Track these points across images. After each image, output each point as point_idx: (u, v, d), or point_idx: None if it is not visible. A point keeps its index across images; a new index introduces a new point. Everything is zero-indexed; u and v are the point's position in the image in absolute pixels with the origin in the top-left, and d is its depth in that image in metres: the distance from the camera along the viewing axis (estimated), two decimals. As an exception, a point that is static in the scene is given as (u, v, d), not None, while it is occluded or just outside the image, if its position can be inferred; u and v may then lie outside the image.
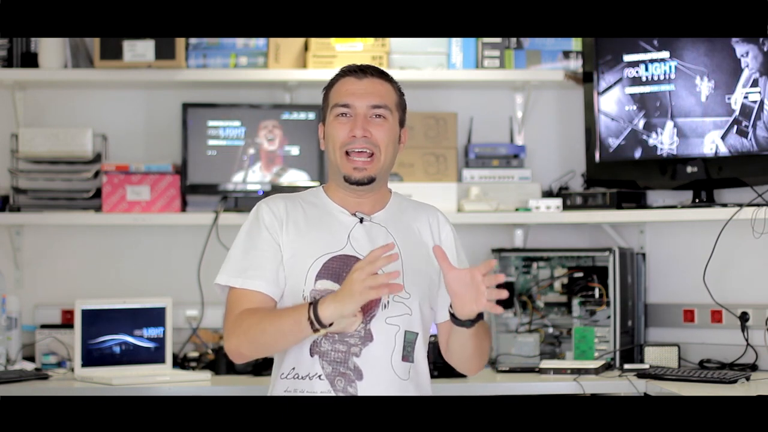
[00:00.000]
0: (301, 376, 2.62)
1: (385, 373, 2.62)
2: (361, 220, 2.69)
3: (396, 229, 2.71)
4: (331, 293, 2.50)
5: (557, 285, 4.16)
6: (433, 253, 2.62)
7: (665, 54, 4.01)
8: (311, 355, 2.62)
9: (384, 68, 4.12)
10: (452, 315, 2.60)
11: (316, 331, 2.49)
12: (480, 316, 2.59)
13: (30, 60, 4.15)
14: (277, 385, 2.67)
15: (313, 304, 2.48)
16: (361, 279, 2.42)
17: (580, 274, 4.12)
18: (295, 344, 2.60)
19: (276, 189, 4.19)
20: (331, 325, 2.49)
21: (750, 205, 3.77)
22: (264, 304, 2.63)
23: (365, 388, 2.60)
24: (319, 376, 2.61)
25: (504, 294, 2.51)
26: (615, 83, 4.11)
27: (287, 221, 2.68)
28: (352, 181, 2.67)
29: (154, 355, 3.94)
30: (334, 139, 2.67)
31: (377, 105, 2.67)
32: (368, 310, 2.62)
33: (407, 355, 2.66)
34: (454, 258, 2.73)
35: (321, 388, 2.60)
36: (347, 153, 2.66)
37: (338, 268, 2.63)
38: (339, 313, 2.47)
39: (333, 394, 2.59)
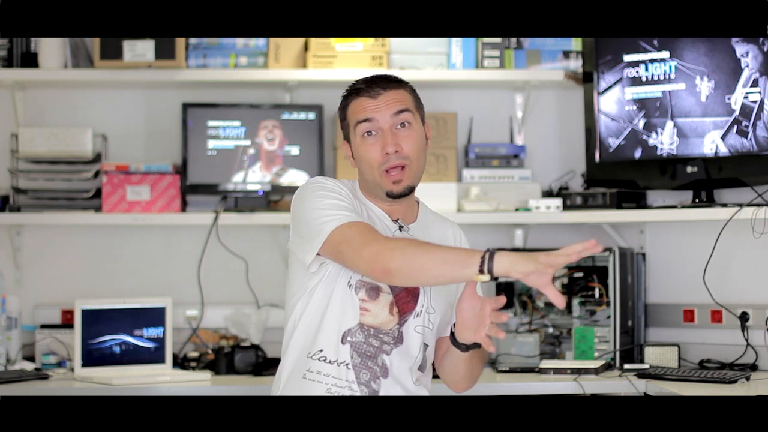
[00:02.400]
0: (329, 360, 2.64)
1: (406, 376, 2.68)
2: (401, 228, 2.73)
3: (427, 240, 2.72)
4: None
5: (557, 285, 4.16)
6: None
7: (665, 54, 4.01)
8: (343, 342, 2.64)
9: (384, 68, 4.17)
10: (452, 335, 2.65)
11: (479, 273, 2.39)
12: (476, 344, 2.61)
13: (30, 60, 4.15)
14: (299, 365, 2.66)
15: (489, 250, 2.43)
16: (551, 258, 2.36)
17: (580, 274, 4.12)
18: (445, 282, 2.52)
19: (276, 189, 4.20)
20: (494, 279, 2.40)
21: (750, 205, 3.77)
22: None
23: (387, 387, 2.65)
24: (347, 365, 2.63)
25: (501, 335, 2.50)
26: (615, 83, 4.11)
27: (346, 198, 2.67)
28: (395, 195, 2.68)
29: (154, 355, 3.94)
30: (369, 160, 2.67)
31: (400, 110, 2.67)
32: (403, 314, 2.67)
33: (423, 365, 2.72)
34: None
35: (346, 377, 2.63)
36: (386, 170, 2.67)
37: None
38: (511, 264, 2.37)
39: (356, 385, 2.63)
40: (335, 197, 2.63)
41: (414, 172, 2.69)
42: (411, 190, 2.70)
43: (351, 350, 2.64)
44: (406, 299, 2.68)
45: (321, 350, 2.65)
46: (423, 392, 2.72)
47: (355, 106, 2.70)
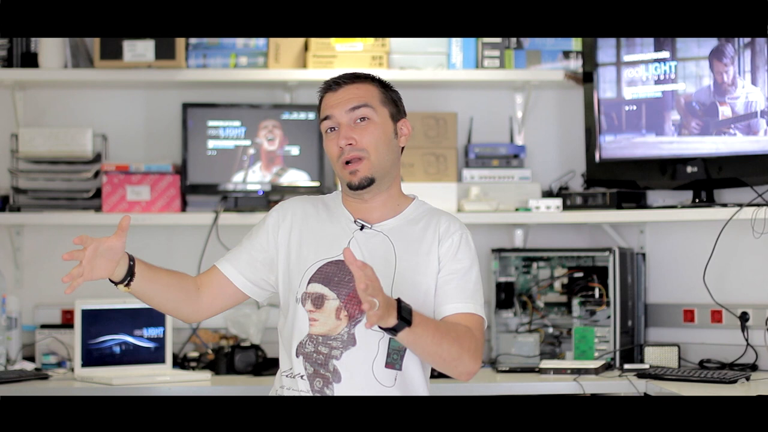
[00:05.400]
0: (286, 374, 2.69)
1: (364, 378, 2.64)
2: (362, 228, 2.71)
3: (399, 238, 2.71)
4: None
5: (557, 285, 4.16)
6: (432, 264, 2.67)
7: (665, 54, 4.01)
8: (297, 355, 2.66)
9: (384, 68, 4.17)
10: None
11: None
12: (393, 329, 2.48)
13: (30, 60, 4.15)
14: (277, 384, 2.74)
15: None
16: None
17: (580, 274, 4.12)
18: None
19: (276, 189, 4.20)
20: None
21: (750, 205, 3.77)
22: (215, 279, 2.76)
23: (342, 391, 2.63)
24: (302, 376, 2.66)
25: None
26: (615, 83, 4.11)
27: (296, 225, 2.74)
28: (353, 187, 2.69)
29: (154, 355, 3.94)
30: (329, 155, 2.73)
31: (355, 106, 2.68)
32: (354, 316, 2.64)
33: (392, 363, 2.66)
34: (438, 264, 2.70)
35: (302, 387, 2.65)
36: (344, 163, 2.69)
37: (331, 272, 2.67)
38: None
39: (310, 394, 2.64)
40: (251, 234, 2.80)
41: (374, 164, 2.68)
42: (370, 182, 2.68)
43: (304, 362, 2.65)
44: (357, 300, 2.59)
45: (281, 366, 2.72)
46: (397, 394, 2.64)
47: (323, 103, 2.74)
